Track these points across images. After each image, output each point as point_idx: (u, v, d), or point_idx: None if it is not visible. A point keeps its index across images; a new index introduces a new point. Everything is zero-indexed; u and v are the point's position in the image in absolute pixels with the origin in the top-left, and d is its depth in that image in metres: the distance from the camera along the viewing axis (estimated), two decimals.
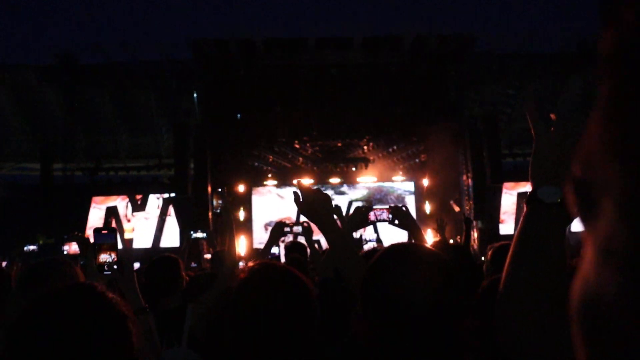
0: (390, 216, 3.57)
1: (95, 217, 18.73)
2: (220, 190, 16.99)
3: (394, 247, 1.52)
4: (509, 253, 1.15)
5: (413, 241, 3.23)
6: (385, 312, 1.36)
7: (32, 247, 16.80)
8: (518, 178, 18.86)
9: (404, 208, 3.65)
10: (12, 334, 1.30)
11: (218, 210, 16.51)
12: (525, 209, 1.20)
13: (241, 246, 9.95)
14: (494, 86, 19.12)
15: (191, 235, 10.26)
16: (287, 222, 5.78)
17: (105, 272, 2.38)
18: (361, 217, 3.41)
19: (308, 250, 5.49)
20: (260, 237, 17.17)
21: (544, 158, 1.23)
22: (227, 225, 3.88)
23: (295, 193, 2.16)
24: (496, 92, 19.45)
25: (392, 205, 3.90)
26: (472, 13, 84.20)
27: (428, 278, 1.36)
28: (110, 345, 1.29)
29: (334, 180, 18.59)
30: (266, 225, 17.92)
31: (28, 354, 1.25)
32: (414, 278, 1.36)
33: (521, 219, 1.19)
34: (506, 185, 18.71)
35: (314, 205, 2.13)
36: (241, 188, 18.01)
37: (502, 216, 18.81)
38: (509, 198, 18.99)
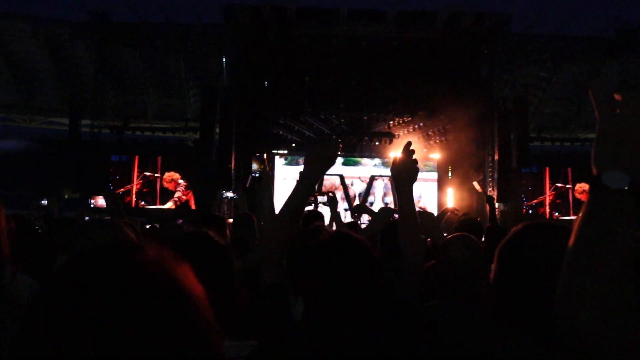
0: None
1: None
2: (258, 155, 17.06)
3: (530, 224, 1.66)
4: (570, 243, 1.11)
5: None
6: (532, 279, 1.48)
7: (45, 201, 16.92)
8: (545, 163, 18.66)
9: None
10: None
11: (257, 175, 16.60)
12: (588, 196, 1.13)
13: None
14: (527, 67, 18.81)
15: (223, 193, 10.29)
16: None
17: None
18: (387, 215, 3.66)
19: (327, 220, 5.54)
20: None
21: (609, 140, 1.14)
22: (267, 189, 3.96)
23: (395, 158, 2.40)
24: (529, 73, 19.13)
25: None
26: None
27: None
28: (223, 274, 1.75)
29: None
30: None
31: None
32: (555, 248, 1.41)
33: (584, 206, 1.13)
34: None
35: (404, 173, 2.39)
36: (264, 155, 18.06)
37: None
38: None
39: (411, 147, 2.50)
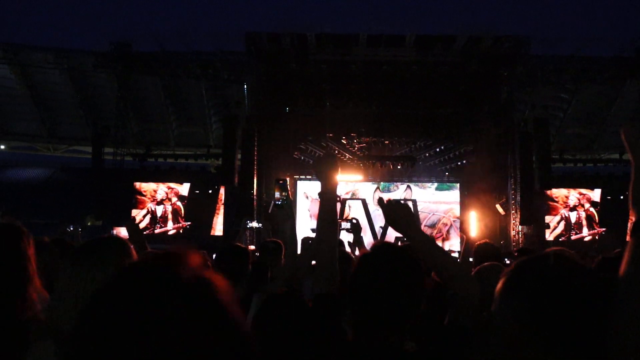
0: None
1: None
2: (281, 182, 17.10)
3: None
4: (620, 287, 1.08)
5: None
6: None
7: (71, 227, 17.02)
8: (567, 184, 18.53)
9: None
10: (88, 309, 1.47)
11: (279, 202, 16.56)
12: (630, 241, 1.12)
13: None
14: (546, 89, 18.76)
15: (247, 223, 10.34)
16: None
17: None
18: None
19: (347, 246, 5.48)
20: (305, 232, 17.21)
21: None
22: (290, 217, 3.98)
23: (381, 205, 2.27)
24: (549, 95, 19.08)
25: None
26: (528, 14, 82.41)
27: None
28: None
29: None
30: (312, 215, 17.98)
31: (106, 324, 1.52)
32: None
33: (627, 251, 1.12)
34: None
35: (396, 217, 2.15)
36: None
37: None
38: None
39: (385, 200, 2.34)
